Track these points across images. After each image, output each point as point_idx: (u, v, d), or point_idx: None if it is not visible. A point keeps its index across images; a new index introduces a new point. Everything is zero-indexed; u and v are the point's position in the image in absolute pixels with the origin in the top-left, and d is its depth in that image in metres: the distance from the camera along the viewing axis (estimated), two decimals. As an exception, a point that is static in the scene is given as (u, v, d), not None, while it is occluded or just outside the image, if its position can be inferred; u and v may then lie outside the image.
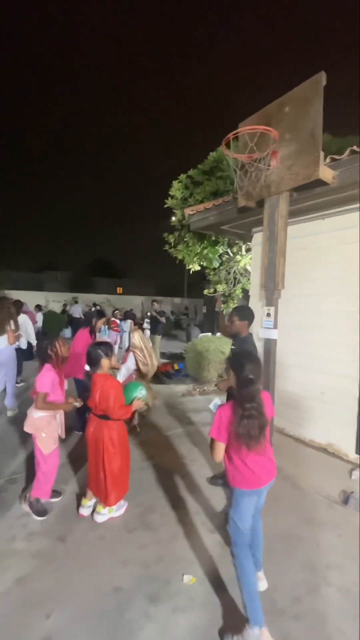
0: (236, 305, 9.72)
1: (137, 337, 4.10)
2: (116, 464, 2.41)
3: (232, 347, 2.91)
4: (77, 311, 13.79)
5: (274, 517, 2.60)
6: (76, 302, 15.09)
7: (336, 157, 2.92)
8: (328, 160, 2.96)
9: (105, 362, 2.43)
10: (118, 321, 9.07)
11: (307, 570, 2.12)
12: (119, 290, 29.35)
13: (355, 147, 2.78)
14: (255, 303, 4.73)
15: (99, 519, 2.49)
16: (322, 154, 2.81)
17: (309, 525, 2.51)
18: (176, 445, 3.81)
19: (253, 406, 1.70)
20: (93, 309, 15.86)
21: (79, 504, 2.64)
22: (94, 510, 2.55)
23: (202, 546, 2.29)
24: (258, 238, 4.72)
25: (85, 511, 2.56)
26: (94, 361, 2.42)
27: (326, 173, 2.88)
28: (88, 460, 2.51)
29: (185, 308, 19.86)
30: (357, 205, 3.44)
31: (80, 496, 2.74)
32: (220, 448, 1.76)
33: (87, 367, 2.52)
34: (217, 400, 2.09)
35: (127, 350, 4.15)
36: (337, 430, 3.71)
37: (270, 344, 3.40)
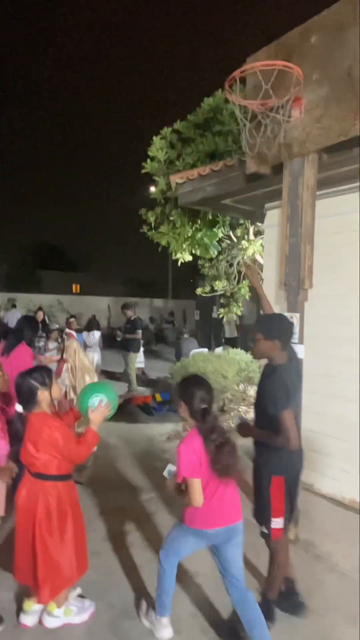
0: (241, 309, 9.82)
1: (72, 349, 4.29)
2: (53, 543, 2.34)
3: (263, 377, 2.58)
4: (14, 319, 13.52)
5: (308, 617, 2.52)
6: (13, 307, 14.82)
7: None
8: (371, 110, 2.98)
9: (43, 396, 2.38)
10: (75, 333, 8.93)
11: None
12: (76, 288, 29.08)
13: None
14: (272, 306, 4.72)
15: (49, 623, 2.42)
16: (363, 101, 2.84)
17: (352, 626, 2.45)
18: (161, 515, 3.71)
19: (218, 434, 2.11)
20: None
21: (19, 608, 2.51)
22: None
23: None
24: (273, 217, 4.73)
25: (29, 620, 2.44)
26: (25, 397, 2.37)
27: (369, 128, 2.91)
28: (15, 537, 2.44)
29: (170, 313, 19.87)
30: None
31: (20, 596, 2.60)
32: (199, 486, 2.08)
33: (18, 407, 2.43)
34: (171, 466, 2.33)
35: (61, 360, 4.21)
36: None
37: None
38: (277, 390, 2.35)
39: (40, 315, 9.45)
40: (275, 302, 4.65)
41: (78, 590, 2.60)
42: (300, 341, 3.30)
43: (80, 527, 2.50)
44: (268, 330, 2.48)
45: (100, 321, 20.87)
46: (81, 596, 2.58)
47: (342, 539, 3.39)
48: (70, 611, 2.46)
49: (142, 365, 10.03)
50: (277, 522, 2.39)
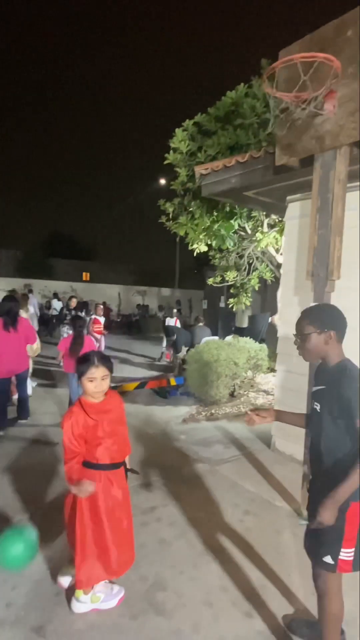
0: (250, 299, 9.73)
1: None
2: (90, 530, 2.27)
3: (317, 387, 2.05)
4: (33, 302, 13.57)
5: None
6: (30, 292, 14.79)
7: None
8: None
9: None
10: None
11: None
12: (85, 276, 28.94)
13: None
14: (290, 298, 4.67)
15: (77, 607, 2.32)
16: None
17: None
18: (185, 492, 3.72)
19: None
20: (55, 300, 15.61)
21: (55, 571, 2.53)
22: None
23: (238, 637, 2.18)
24: (295, 209, 4.64)
25: (66, 581, 2.43)
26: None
27: None
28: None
29: (177, 302, 19.78)
30: None
31: (56, 560, 2.60)
32: None
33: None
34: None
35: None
36: None
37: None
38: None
39: (74, 302, 9.58)
40: (294, 293, 4.62)
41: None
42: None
43: (126, 515, 2.41)
44: (321, 321, 1.98)
45: (113, 307, 20.94)
46: (110, 582, 2.46)
47: None
48: (97, 598, 2.34)
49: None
50: (347, 554, 1.87)
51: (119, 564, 2.32)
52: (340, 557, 1.87)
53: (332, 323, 1.98)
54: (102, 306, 9.60)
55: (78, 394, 3.09)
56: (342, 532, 1.85)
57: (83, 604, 2.32)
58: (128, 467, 2.47)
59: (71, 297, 10.19)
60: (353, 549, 1.87)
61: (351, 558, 1.88)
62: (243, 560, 2.81)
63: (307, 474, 3.35)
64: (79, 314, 8.27)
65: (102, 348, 9.08)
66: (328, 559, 1.89)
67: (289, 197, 4.66)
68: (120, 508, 2.33)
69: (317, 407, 2.00)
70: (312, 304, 3.33)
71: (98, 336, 8.86)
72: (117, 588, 2.43)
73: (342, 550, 1.86)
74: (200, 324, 9.17)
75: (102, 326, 9.16)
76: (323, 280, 3.24)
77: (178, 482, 3.92)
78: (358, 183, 3.88)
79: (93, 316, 9.09)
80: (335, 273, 3.17)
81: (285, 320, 4.75)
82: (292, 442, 4.44)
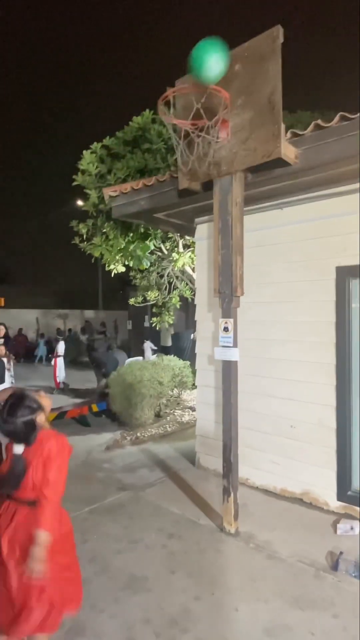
0: (172, 317, 9.94)
1: None
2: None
3: None
4: None
5: (252, 605, 2.57)
6: None
7: (298, 132, 3.18)
8: (289, 135, 3.20)
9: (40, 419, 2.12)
10: None
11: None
12: (0, 301, 27.30)
13: (319, 121, 3.06)
14: (204, 315, 4.83)
15: None
16: (283, 126, 3.03)
17: (296, 609, 2.55)
18: (108, 523, 3.59)
19: None
20: None
21: None
22: None
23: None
24: (202, 230, 4.86)
25: None
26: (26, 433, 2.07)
27: (288, 150, 3.12)
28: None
29: (102, 324, 19.43)
30: (322, 192, 3.79)
31: None
32: None
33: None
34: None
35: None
36: (313, 473, 3.91)
37: (230, 368, 3.45)
38: None
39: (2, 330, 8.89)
40: (207, 309, 4.79)
41: None
42: (235, 344, 3.40)
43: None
44: None
45: (28, 334, 19.86)
46: None
47: (277, 527, 3.52)
48: None
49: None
50: None
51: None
52: None
53: None
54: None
55: None
56: None
57: None
58: None
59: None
60: None
61: None
62: (166, 586, 2.77)
63: (227, 487, 3.43)
64: None
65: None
66: None
67: (196, 219, 4.88)
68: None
69: None
70: (221, 320, 3.49)
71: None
72: None
73: None
74: (107, 347, 9.19)
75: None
76: (229, 296, 3.40)
77: (100, 514, 3.77)
78: (257, 206, 4.20)
79: None
80: (239, 290, 3.35)
81: (201, 336, 4.89)
82: (215, 457, 4.52)
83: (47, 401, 2.21)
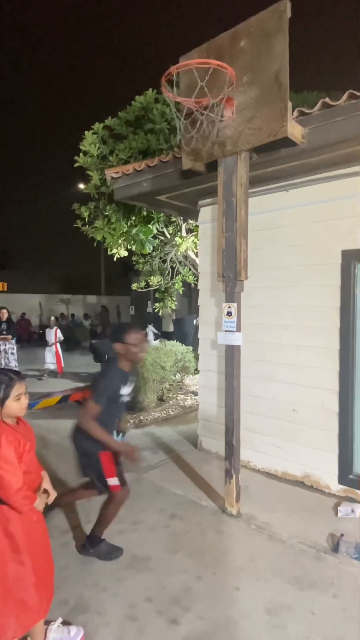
0: (175, 303, 9.90)
1: None
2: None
3: None
4: None
5: (253, 585, 2.61)
6: None
7: (305, 110, 3.09)
8: (296, 114, 3.12)
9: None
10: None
11: (303, 650, 2.15)
12: (2, 286, 27.27)
13: (327, 99, 2.97)
14: (207, 299, 4.80)
15: None
16: (290, 105, 2.94)
17: (296, 589, 2.58)
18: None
19: None
20: None
21: None
22: None
23: (161, 646, 2.16)
24: (206, 213, 4.79)
25: None
26: None
27: (295, 130, 3.03)
28: None
29: (104, 309, 19.44)
30: (328, 174, 3.71)
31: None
32: None
33: None
34: None
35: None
36: (314, 457, 3.93)
37: (233, 353, 3.44)
38: None
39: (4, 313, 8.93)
40: (210, 294, 4.75)
41: (59, 620, 2.26)
42: (238, 329, 3.38)
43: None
44: None
45: (32, 318, 19.91)
46: (66, 623, 2.26)
47: (279, 509, 3.56)
48: None
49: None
50: None
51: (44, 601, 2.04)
52: None
53: None
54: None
55: None
56: None
57: None
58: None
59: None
60: None
61: None
62: (168, 566, 2.81)
63: (229, 469, 3.45)
64: None
65: (10, 362, 8.77)
66: None
67: (200, 202, 4.80)
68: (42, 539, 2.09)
69: None
70: (225, 304, 3.46)
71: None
72: (74, 629, 2.21)
73: None
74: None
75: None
76: (233, 280, 3.36)
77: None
78: (261, 188, 4.13)
79: None
80: (242, 274, 3.31)
81: (204, 321, 4.87)
82: (217, 440, 4.55)
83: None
